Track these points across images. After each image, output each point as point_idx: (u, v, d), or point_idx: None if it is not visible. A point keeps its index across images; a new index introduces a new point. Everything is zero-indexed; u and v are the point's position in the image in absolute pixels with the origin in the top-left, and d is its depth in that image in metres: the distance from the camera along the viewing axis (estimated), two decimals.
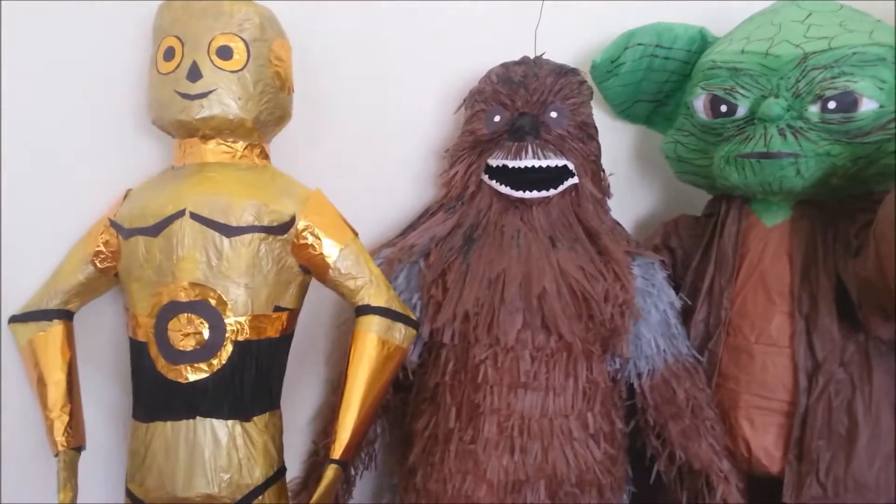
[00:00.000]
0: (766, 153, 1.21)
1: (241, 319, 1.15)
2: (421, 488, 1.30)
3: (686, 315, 1.36)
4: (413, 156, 1.52)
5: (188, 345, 1.13)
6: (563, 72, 1.32)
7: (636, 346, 1.30)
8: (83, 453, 1.25)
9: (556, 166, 1.28)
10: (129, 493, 1.20)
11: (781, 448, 1.26)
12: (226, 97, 1.15)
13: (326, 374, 1.51)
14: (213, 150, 1.20)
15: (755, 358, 1.29)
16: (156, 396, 1.15)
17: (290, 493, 1.30)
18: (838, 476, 1.21)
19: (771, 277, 1.30)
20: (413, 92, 1.49)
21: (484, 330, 1.25)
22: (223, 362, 1.14)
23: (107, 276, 1.24)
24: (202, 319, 1.13)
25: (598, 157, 1.37)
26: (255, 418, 1.17)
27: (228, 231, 1.14)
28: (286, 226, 1.18)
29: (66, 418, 1.19)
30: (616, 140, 1.54)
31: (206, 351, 1.13)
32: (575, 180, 1.30)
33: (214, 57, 1.15)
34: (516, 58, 1.38)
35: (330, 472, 1.15)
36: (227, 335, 1.14)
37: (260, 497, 1.17)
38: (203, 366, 1.13)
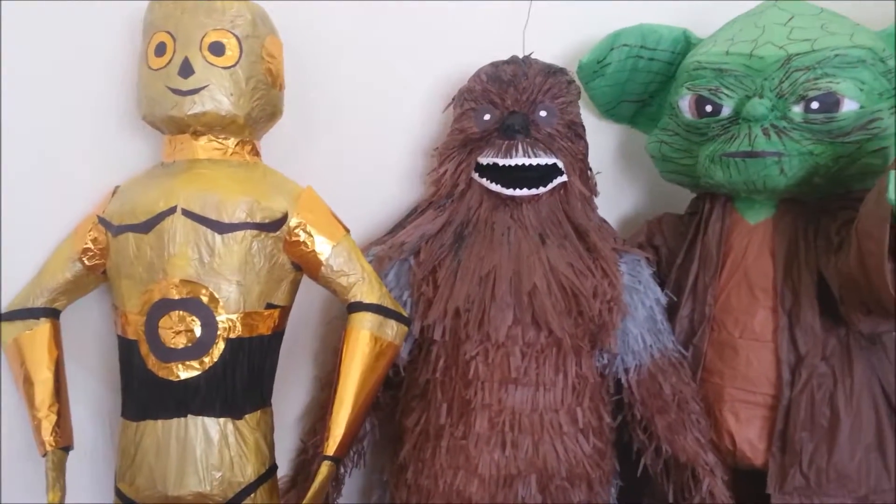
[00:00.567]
0: (750, 152, 1.24)
1: (233, 317, 1.14)
2: (412, 484, 1.30)
3: (670, 311, 1.38)
4: (400, 154, 1.52)
5: (180, 342, 1.12)
6: (552, 71, 1.34)
7: (623, 341, 1.31)
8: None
9: (546, 164, 1.29)
10: (118, 493, 1.19)
11: (765, 440, 1.28)
12: (218, 93, 1.15)
13: (314, 372, 1.51)
14: (205, 146, 1.19)
15: (739, 352, 1.31)
16: (146, 395, 1.14)
17: None
18: (821, 467, 1.24)
19: (754, 274, 1.32)
20: (401, 91, 1.50)
21: (475, 326, 1.26)
22: (215, 360, 1.13)
23: (94, 274, 1.23)
24: (194, 317, 1.12)
25: (586, 155, 1.38)
26: (246, 416, 1.17)
27: (221, 228, 1.13)
28: (278, 223, 1.18)
29: (53, 418, 1.18)
30: (600, 140, 1.56)
31: (197, 348, 1.12)
32: (564, 178, 1.32)
33: (207, 53, 1.15)
34: (504, 57, 1.40)
35: (324, 469, 1.15)
36: (218, 333, 1.13)
37: (252, 495, 1.16)
38: (195, 363, 1.13)
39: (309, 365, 1.51)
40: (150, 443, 1.13)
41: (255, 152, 1.26)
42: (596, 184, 1.41)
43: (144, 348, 1.14)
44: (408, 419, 1.32)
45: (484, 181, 1.31)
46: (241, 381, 1.16)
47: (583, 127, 1.38)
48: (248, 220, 1.15)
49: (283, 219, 1.18)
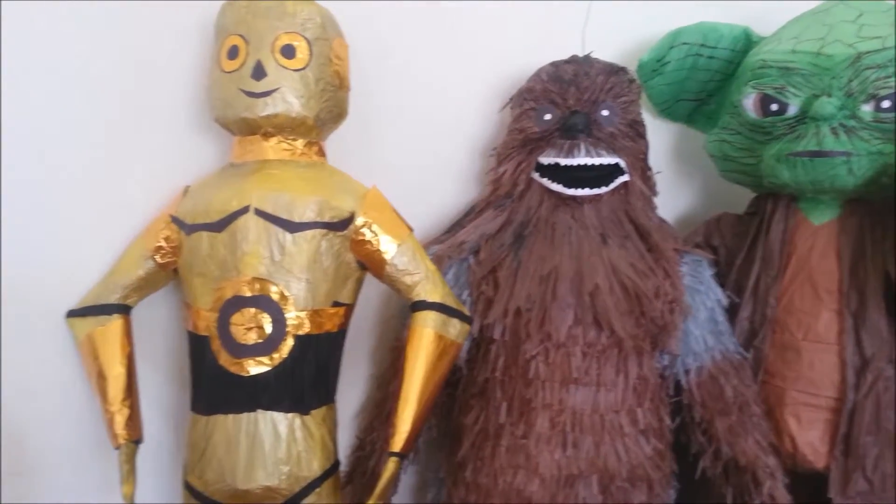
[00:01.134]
0: (818, 152, 1.22)
1: (302, 314, 1.16)
2: (471, 482, 1.31)
3: (730, 313, 1.37)
4: (456, 154, 1.53)
5: (251, 338, 1.14)
6: (614, 70, 1.33)
7: (684, 342, 1.30)
8: None
9: (609, 164, 1.29)
10: (187, 486, 1.21)
11: (828, 444, 1.27)
12: (289, 95, 1.17)
13: (370, 370, 1.53)
14: (274, 147, 1.21)
15: (802, 355, 1.30)
16: (217, 389, 1.17)
17: None
18: (885, 472, 1.22)
19: (819, 275, 1.31)
20: (457, 92, 1.50)
21: (535, 326, 1.26)
22: (284, 356, 1.15)
23: (166, 271, 1.25)
24: (265, 313, 1.14)
25: (647, 154, 1.38)
26: (313, 412, 1.19)
27: (291, 227, 1.15)
28: (346, 222, 1.19)
29: (126, 412, 1.21)
30: (653, 140, 1.54)
31: (267, 345, 1.14)
32: (626, 178, 1.31)
33: (278, 56, 1.17)
34: (562, 57, 1.39)
35: (391, 465, 1.16)
36: (287, 329, 1.15)
37: (317, 490, 1.18)
38: (265, 359, 1.15)
39: (365, 363, 1.52)
40: (220, 437, 1.16)
41: (321, 153, 1.28)
42: (655, 183, 1.40)
43: (216, 344, 1.16)
44: (466, 417, 1.33)
45: (545, 181, 1.31)
46: (308, 377, 1.18)
47: (644, 126, 1.37)
48: (318, 219, 1.17)
49: (350, 218, 1.20)
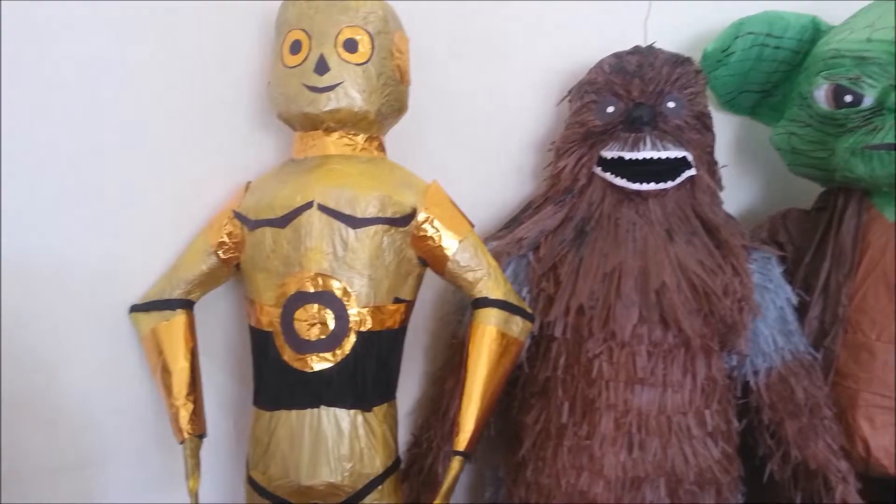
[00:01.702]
0: None
1: (364, 310, 1.15)
2: (532, 482, 1.29)
3: (798, 312, 1.32)
4: (514, 149, 1.51)
5: (314, 334, 1.14)
6: (679, 61, 1.29)
7: (753, 342, 1.27)
8: None
9: (675, 158, 1.25)
10: (251, 481, 1.21)
11: None
12: (352, 90, 1.16)
13: (425, 367, 1.52)
14: (336, 142, 1.20)
15: (876, 356, 1.25)
16: (281, 385, 1.17)
17: None
18: None
19: (894, 273, 1.25)
20: (514, 85, 1.48)
21: (599, 324, 1.23)
22: (347, 352, 1.14)
23: (228, 267, 1.26)
24: (328, 309, 1.14)
25: (714, 148, 1.34)
26: (374, 408, 1.18)
27: (354, 223, 1.14)
28: (408, 218, 1.18)
29: (190, 406, 1.21)
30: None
31: (331, 341, 1.14)
32: (692, 172, 1.27)
33: (341, 50, 1.16)
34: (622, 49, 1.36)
35: (455, 464, 1.15)
36: (350, 325, 1.14)
37: (379, 487, 1.18)
38: (328, 355, 1.14)
39: (420, 360, 1.51)
40: (283, 433, 1.15)
41: (382, 148, 1.27)
42: (721, 177, 1.36)
43: (280, 340, 1.16)
44: (527, 416, 1.31)
45: (608, 176, 1.28)
46: (370, 374, 1.17)
47: (711, 118, 1.33)
48: (380, 214, 1.16)
49: (412, 214, 1.19)
